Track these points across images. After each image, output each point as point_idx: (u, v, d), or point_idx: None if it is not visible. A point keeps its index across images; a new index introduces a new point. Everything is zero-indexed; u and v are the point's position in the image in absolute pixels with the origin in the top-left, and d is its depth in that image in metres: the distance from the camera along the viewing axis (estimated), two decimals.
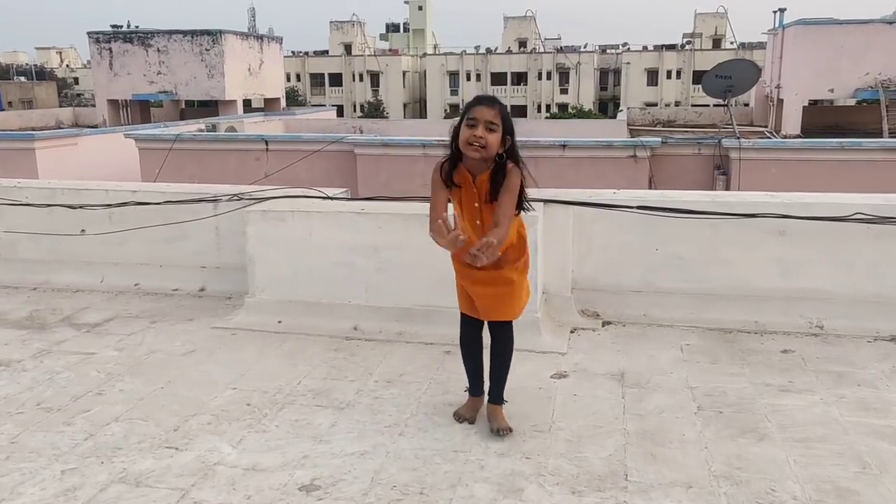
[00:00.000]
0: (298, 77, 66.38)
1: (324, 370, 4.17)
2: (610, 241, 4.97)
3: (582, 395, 3.83)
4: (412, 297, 4.67)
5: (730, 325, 4.77)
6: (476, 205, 3.23)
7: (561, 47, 70.82)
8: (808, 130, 20.72)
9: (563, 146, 11.60)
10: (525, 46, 70.07)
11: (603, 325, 4.85)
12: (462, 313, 3.50)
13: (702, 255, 4.86)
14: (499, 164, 3.14)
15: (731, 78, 11.52)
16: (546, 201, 4.78)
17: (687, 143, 12.03)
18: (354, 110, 63.54)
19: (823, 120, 21.94)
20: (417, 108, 69.70)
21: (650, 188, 11.76)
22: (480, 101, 3.12)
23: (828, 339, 4.57)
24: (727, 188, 11.58)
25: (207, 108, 25.04)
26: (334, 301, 4.76)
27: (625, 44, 70.31)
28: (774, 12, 22.18)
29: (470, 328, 3.51)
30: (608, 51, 69.30)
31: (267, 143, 13.18)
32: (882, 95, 18.79)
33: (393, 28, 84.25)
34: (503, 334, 3.46)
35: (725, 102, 12.42)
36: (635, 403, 3.73)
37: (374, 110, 59.75)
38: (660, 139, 11.73)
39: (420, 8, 79.77)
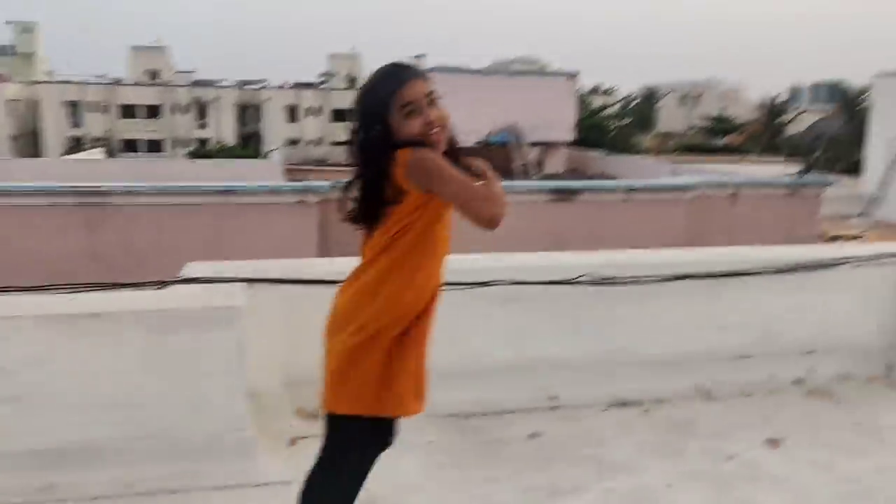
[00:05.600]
0: None
1: None
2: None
3: None
4: (64, 432, 3.28)
5: (466, 407, 4.18)
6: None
7: (197, 80, 67.97)
8: None
9: (227, 192, 10.42)
10: (157, 78, 65.90)
11: None
12: (384, 418, 2.43)
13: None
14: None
15: None
16: (249, 281, 3.77)
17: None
18: None
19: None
20: (30, 141, 61.19)
21: (320, 236, 11.13)
22: (403, 76, 2.24)
23: (567, 414, 4.23)
24: None
25: None
26: None
27: (263, 80, 69.89)
28: (415, 58, 23.33)
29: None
30: (247, 86, 68.21)
31: None
32: (511, 139, 20.71)
33: None
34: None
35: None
36: None
37: None
38: (328, 183, 11.16)
39: (27, 30, 70.49)
